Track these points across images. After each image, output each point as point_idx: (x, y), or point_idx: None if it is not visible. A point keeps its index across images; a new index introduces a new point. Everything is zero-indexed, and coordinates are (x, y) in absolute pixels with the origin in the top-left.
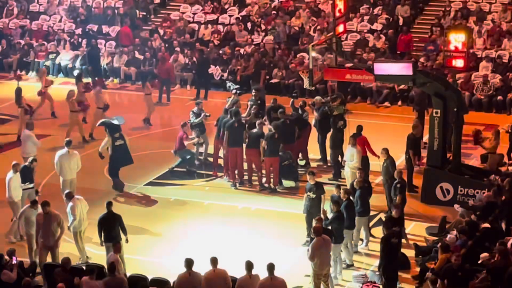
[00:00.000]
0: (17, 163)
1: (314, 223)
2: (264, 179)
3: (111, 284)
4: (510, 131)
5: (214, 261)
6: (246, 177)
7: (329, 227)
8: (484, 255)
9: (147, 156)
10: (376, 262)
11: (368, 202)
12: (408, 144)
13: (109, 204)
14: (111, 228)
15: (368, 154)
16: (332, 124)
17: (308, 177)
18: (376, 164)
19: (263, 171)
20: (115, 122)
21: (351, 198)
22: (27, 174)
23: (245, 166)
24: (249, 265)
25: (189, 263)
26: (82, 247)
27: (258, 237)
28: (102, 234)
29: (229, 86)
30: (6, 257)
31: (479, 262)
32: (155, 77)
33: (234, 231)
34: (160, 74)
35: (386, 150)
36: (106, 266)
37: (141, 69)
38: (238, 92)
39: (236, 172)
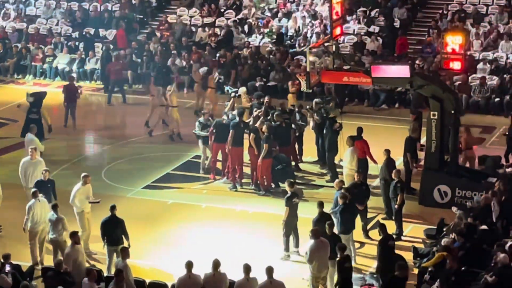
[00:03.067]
0: (87, 175)
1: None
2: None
3: None
4: (507, 133)
5: (215, 264)
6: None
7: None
8: (503, 256)
9: (144, 159)
10: (374, 264)
11: (350, 220)
12: (406, 147)
13: (113, 208)
14: (113, 232)
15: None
16: (328, 126)
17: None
18: (375, 166)
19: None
20: (30, 99)
21: (347, 202)
22: (44, 188)
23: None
24: (247, 268)
25: (189, 265)
26: (34, 249)
27: (256, 240)
28: (105, 238)
29: (227, 90)
30: (1, 260)
31: (493, 263)
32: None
33: (232, 234)
34: (110, 75)
35: (387, 151)
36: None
37: (138, 72)
38: (236, 95)
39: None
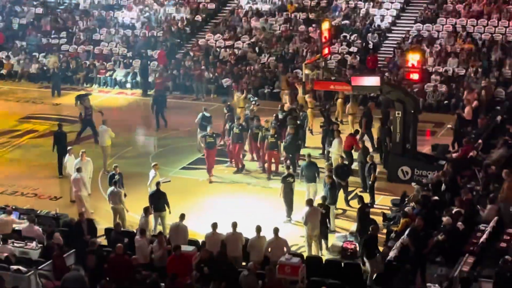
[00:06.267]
0: (156, 164)
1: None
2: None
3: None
4: (453, 127)
5: (234, 225)
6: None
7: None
8: (447, 219)
9: (182, 147)
10: (353, 226)
11: (335, 194)
12: (385, 134)
13: (158, 184)
14: (158, 202)
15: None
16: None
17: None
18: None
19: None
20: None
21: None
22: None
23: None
24: (258, 229)
25: (214, 226)
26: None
27: (265, 208)
28: (152, 206)
29: (249, 98)
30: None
31: (442, 225)
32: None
33: (247, 203)
34: (157, 85)
35: (362, 141)
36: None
37: (176, 82)
38: (257, 104)
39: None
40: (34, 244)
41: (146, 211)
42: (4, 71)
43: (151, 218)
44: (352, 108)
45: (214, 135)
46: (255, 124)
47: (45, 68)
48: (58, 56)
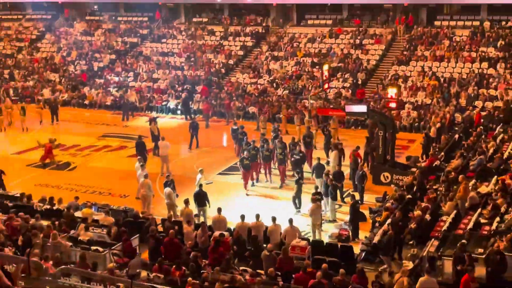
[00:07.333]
0: (202, 169)
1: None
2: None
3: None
4: (422, 143)
5: (257, 216)
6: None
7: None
8: (417, 212)
9: (219, 157)
10: (346, 217)
11: (336, 193)
12: (371, 149)
13: (200, 186)
14: (200, 199)
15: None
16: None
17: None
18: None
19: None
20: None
21: (334, 183)
22: (170, 186)
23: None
24: (274, 219)
25: (242, 217)
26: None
27: (281, 203)
28: (196, 202)
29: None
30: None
31: (414, 216)
32: None
33: (267, 199)
34: (204, 110)
35: (353, 154)
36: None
37: (214, 110)
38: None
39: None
40: None
41: (186, 202)
42: (87, 102)
43: (190, 207)
44: (333, 124)
45: (250, 158)
46: (265, 147)
47: (117, 99)
48: (134, 91)
